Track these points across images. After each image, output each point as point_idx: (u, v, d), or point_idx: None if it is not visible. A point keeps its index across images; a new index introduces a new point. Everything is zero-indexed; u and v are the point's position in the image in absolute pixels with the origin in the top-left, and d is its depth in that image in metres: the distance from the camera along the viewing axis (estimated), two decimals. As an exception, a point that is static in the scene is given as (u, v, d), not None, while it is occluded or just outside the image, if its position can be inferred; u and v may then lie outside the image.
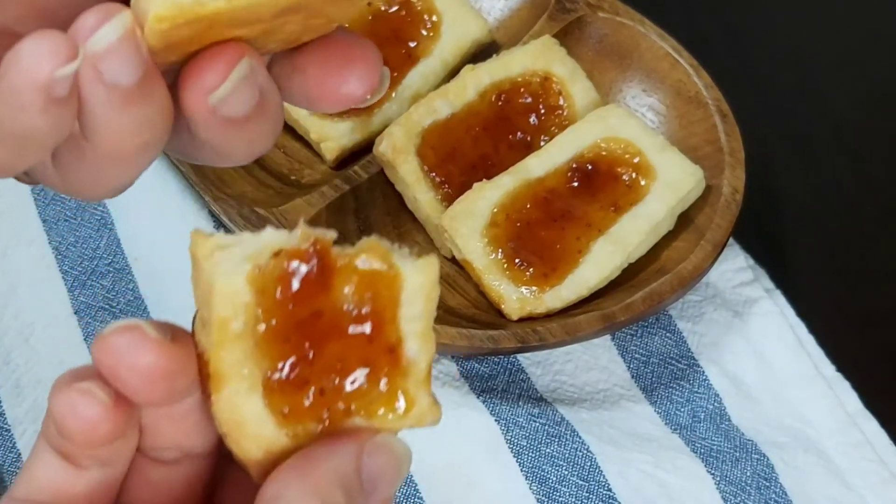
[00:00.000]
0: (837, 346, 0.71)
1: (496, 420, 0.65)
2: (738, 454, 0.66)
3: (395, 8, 0.71)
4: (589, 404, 0.67)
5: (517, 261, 0.66)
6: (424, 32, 0.71)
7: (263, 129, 0.39)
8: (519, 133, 0.69)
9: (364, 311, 0.39)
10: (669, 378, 0.69)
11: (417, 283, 0.39)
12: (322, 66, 0.39)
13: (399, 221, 0.70)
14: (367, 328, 0.39)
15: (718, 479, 0.65)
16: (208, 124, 0.37)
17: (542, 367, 0.68)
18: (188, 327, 0.39)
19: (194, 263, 0.39)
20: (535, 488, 0.64)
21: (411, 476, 0.64)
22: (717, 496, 0.65)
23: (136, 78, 0.36)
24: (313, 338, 0.39)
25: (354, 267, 0.39)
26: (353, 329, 0.39)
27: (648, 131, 0.69)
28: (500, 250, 0.66)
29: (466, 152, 0.68)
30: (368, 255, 0.39)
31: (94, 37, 0.35)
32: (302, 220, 0.39)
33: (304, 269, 0.39)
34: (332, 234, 0.39)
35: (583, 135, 0.68)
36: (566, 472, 0.64)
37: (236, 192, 0.68)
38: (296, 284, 0.39)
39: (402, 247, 0.40)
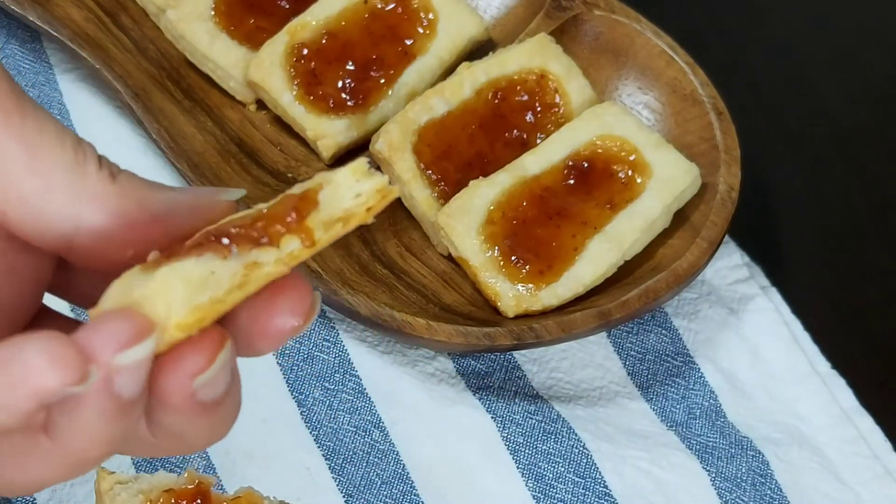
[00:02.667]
0: (832, 342, 0.71)
1: (492, 417, 0.66)
2: (733, 451, 0.66)
3: (391, 5, 0.71)
4: (585, 401, 0.68)
5: (513, 258, 0.66)
6: (421, 30, 0.71)
7: (228, 414, 0.39)
8: (515, 131, 0.69)
9: None
10: (665, 375, 0.69)
11: None
12: (251, 306, 0.38)
13: (395, 219, 0.70)
14: None
15: (714, 475, 0.65)
16: (181, 409, 0.37)
17: (538, 364, 0.68)
18: None
19: (97, 497, 0.46)
20: (531, 485, 0.64)
21: (407, 473, 0.64)
22: (712, 492, 0.65)
23: (139, 393, 0.36)
24: None
25: None
26: None
27: (644, 129, 0.69)
28: (496, 248, 0.66)
29: (462, 150, 0.69)
30: (245, 502, 0.46)
31: (123, 354, 0.35)
32: (189, 468, 0.47)
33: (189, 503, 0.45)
34: (211, 479, 0.46)
35: (579, 132, 0.68)
36: (562, 469, 0.65)
37: (233, 190, 0.68)
38: None
39: (275, 498, 0.47)
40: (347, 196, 0.37)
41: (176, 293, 0.35)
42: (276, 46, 0.69)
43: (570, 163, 0.68)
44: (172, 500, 0.46)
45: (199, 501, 0.46)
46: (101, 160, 0.38)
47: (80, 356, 0.34)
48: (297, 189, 0.38)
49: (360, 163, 0.37)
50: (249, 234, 0.36)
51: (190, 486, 0.46)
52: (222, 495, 0.47)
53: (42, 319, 0.41)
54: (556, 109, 0.70)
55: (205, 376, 0.37)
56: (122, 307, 0.36)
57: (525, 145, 0.69)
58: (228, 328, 0.38)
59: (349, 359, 0.67)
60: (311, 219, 0.37)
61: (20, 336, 0.35)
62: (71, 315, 0.45)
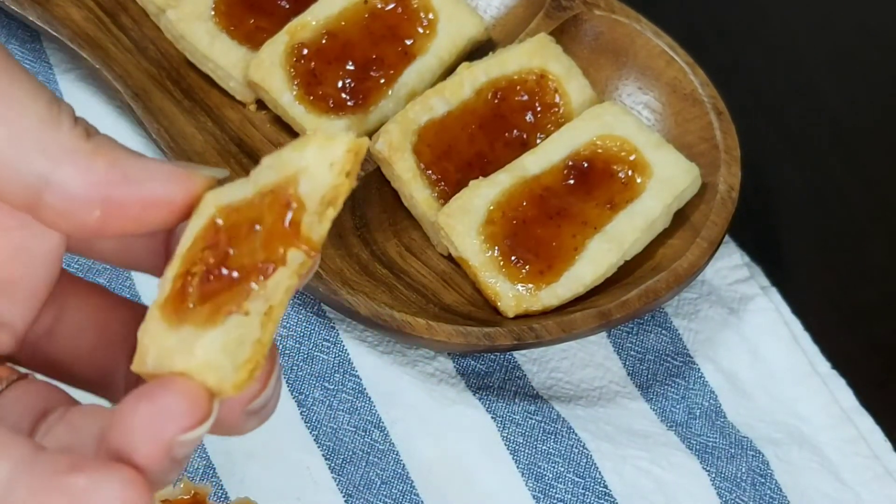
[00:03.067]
0: (832, 342, 0.71)
1: (492, 417, 0.66)
2: (733, 451, 0.66)
3: (391, 5, 0.71)
4: (585, 401, 0.68)
5: (513, 258, 0.66)
6: (421, 30, 0.71)
7: (274, 406, 0.39)
8: (515, 131, 0.69)
9: None
10: (665, 375, 0.69)
11: None
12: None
13: (395, 219, 0.70)
14: None
15: (714, 475, 0.65)
16: (233, 423, 0.37)
17: (538, 364, 0.68)
18: None
19: None
20: (531, 485, 0.64)
21: (407, 473, 0.64)
22: (712, 492, 0.65)
23: (191, 453, 0.36)
24: None
25: None
26: None
27: (644, 129, 0.69)
28: (496, 248, 0.66)
29: (462, 150, 0.69)
30: None
31: (189, 434, 0.35)
32: (185, 478, 0.46)
33: None
34: (208, 488, 0.46)
35: (579, 132, 0.68)
36: (562, 469, 0.65)
37: (233, 190, 0.68)
38: None
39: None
40: (322, 174, 0.36)
41: (223, 367, 0.35)
42: (276, 46, 0.69)
43: (570, 163, 0.68)
44: None
45: None
46: (78, 119, 0.37)
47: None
48: (268, 177, 0.36)
49: (319, 136, 0.36)
50: (254, 266, 0.36)
51: (186, 497, 0.46)
52: None
53: (68, 289, 0.41)
54: (556, 109, 0.70)
55: (260, 400, 0.37)
56: (180, 381, 0.35)
57: (525, 145, 0.69)
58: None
59: (349, 359, 0.67)
60: (305, 224, 0.36)
61: (94, 464, 0.34)
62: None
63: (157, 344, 0.36)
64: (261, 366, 0.36)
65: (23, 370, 0.40)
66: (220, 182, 0.38)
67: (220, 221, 0.36)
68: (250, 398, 0.37)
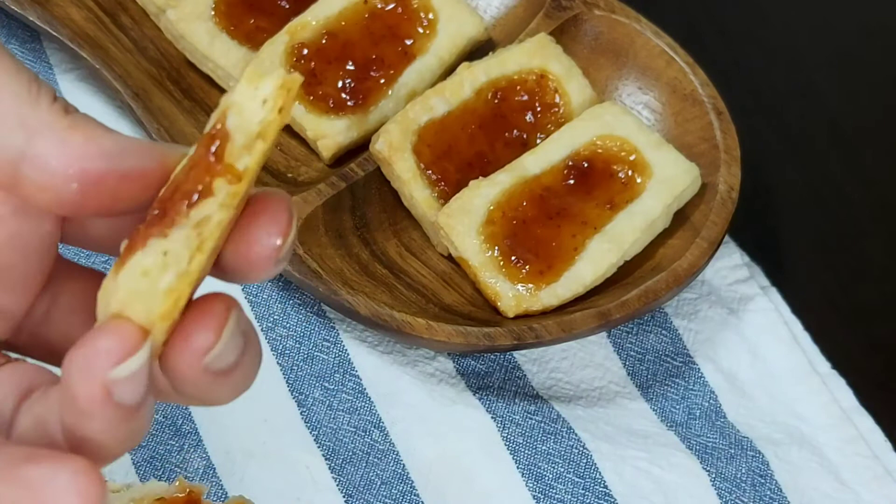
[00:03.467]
0: (832, 342, 0.71)
1: (492, 417, 0.66)
2: (733, 451, 0.66)
3: (391, 5, 0.71)
4: (585, 401, 0.68)
5: (513, 258, 0.66)
6: (421, 30, 0.71)
7: (248, 371, 0.39)
8: (515, 131, 0.69)
9: None
10: (665, 375, 0.69)
11: None
12: (232, 240, 0.38)
13: (395, 219, 0.70)
14: None
15: (714, 475, 0.65)
16: (197, 381, 0.37)
17: (538, 364, 0.68)
18: None
19: None
20: (531, 485, 0.64)
21: (407, 473, 0.64)
22: (712, 492, 0.65)
23: (141, 396, 0.36)
24: None
25: None
26: None
27: (644, 129, 0.69)
28: (496, 248, 0.66)
29: (462, 150, 0.69)
30: None
31: (118, 369, 0.35)
32: (180, 477, 0.46)
33: None
34: (203, 487, 0.45)
35: (579, 132, 0.68)
36: (562, 469, 0.65)
37: (233, 190, 0.68)
38: None
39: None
40: (254, 109, 0.36)
41: (142, 290, 0.35)
42: (276, 46, 0.69)
43: (570, 163, 0.68)
44: None
45: None
46: (57, 98, 0.38)
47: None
48: (207, 126, 0.37)
49: (250, 71, 0.37)
50: (180, 196, 0.36)
51: (181, 495, 0.46)
52: (211, 503, 0.47)
53: (63, 274, 0.41)
54: (556, 109, 0.70)
55: (215, 351, 0.37)
56: (110, 321, 0.35)
57: (525, 145, 0.69)
58: (218, 266, 0.38)
59: (349, 359, 0.67)
60: (229, 153, 0.36)
61: (48, 455, 0.35)
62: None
63: (103, 294, 0.36)
64: (185, 296, 0.36)
65: (14, 355, 0.41)
66: None
67: (173, 176, 0.37)
68: (204, 348, 0.36)
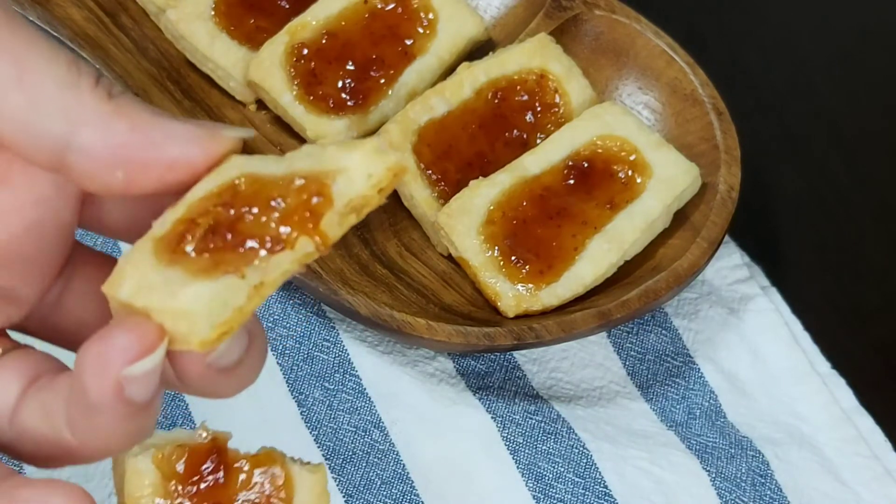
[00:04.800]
0: (832, 342, 0.71)
1: (492, 417, 0.66)
2: (733, 451, 0.66)
3: (391, 6, 0.71)
4: (585, 401, 0.68)
5: (513, 258, 0.66)
6: (421, 30, 0.71)
7: (252, 368, 0.39)
8: (515, 131, 0.69)
9: None
10: (665, 375, 0.69)
11: (307, 490, 0.45)
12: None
13: (395, 219, 0.70)
14: None
15: (714, 475, 0.65)
16: (201, 377, 0.38)
17: (538, 364, 0.68)
18: None
19: (113, 458, 0.44)
20: (531, 485, 0.64)
21: (407, 473, 0.64)
22: (712, 492, 0.65)
23: (151, 396, 0.36)
24: None
25: (252, 467, 0.45)
26: None
27: (644, 129, 0.69)
28: (496, 248, 0.66)
29: (463, 150, 0.69)
30: (265, 460, 0.45)
31: (133, 367, 0.35)
32: (203, 423, 0.45)
33: (203, 458, 0.44)
34: (228, 434, 0.45)
35: (579, 132, 0.68)
36: (562, 469, 0.65)
37: (233, 190, 0.68)
38: (196, 472, 0.44)
39: (295, 459, 0.45)
40: (360, 181, 0.36)
41: (199, 320, 0.35)
42: (276, 46, 0.69)
43: (571, 163, 0.68)
44: (186, 452, 0.45)
45: (214, 456, 0.45)
46: (100, 79, 0.37)
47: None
48: (304, 164, 0.37)
49: (373, 145, 0.37)
50: (262, 238, 0.36)
51: (204, 441, 0.45)
52: (239, 452, 0.46)
53: (77, 258, 0.41)
54: (556, 109, 0.70)
55: (219, 350, 0.37)
56: (135, 317, 0.36)
57: (525, 145, 0.69)
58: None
59: (349, 359, 0.67)
60: (327, 220, 0.36)
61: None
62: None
63: (140, 275, 0.36)
64: (233, 333, 0.36)
65: (22, 341, 0.41)
66: (245, 144, 0.38)
67: (241, 185, 0.37)
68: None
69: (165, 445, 0.44)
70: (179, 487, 0.44)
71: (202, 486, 0.44)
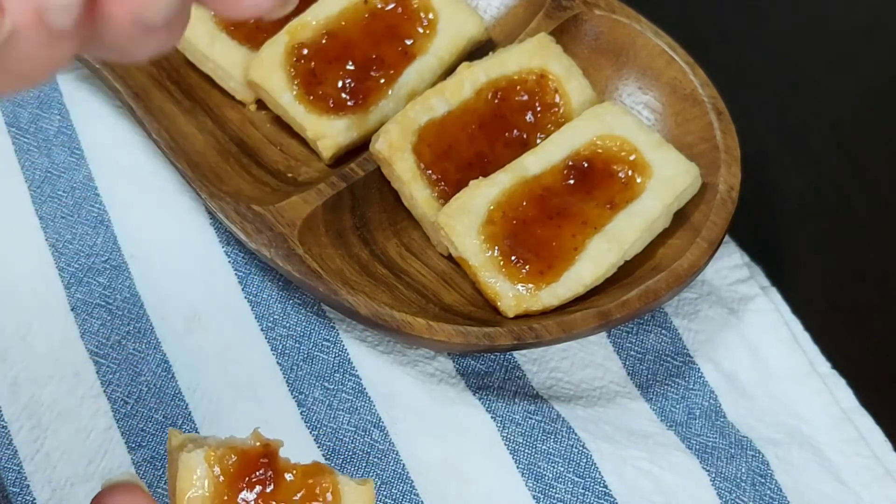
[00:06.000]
0: (832, 342, 0.71)
1: (492, 417, 0.66)
2: (733, 451, 0.66)
3: (391, 5, 0.71)
4: (585, 401, 0.68)
5: (513, 258, 0.66)
6: (421, 30, 0.71)
7: (173, 34, 0.39)
8: (515, 131, 0.69)
9: None
10: (665, 375, 0.69)
11: (355, 499, 0.46)
12: None
13: (395, 219, 0.70)
14: None
15: (714, 475, 0.65)
16: (125, 32, 0.38)
17: (537, 364, 0.68)
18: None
19: (169, 455, 0.46)
20: (530, 485, 0.64)
21: (407, 472, 0.64)
22: (712, 492, 0.65)
23: (72, 24, 0.36)
24: None
25: (301, 477, 0.46)
26: None
27: (644, 129, 0.69)
28: (496, 248, 0.66)
29: (462, 150, 0.69)
30: (314, 472, 0.47)
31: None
32: (256, 429, 0.46)
33: (255, 463, 0.46)
34: (280, 442, 0.46)
35: (579, 132, 0.68)
36: (562, 469, 0.65)
37: (232, 190, 0.68)
38: (247, 475, 0.46)
39: (343, 474, 0.47)
40: None
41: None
42: (276, 46, 0.69)
43: (570, 163, 0.68)
44: (238, 455, 0.46)
45: (265, 461, 0.46)
46: None
47: None
48: None
49: None
50: None
51: (256, 445, 0.46)
52: (290, 462, 0.47)
53: None
54: (556, 109, 0.70)
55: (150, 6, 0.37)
56: None
57: (525, 145, 0.69)
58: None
59: (349, 359, 0.67)
60: None
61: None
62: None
63: None
64: None
65: None
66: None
67: None
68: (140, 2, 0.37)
69: (219, 448, 0.45)
70: (230, 487, 0.45)
71: (252, 489, 0.46)
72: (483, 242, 0.66)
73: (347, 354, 0.67)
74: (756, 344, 0.70)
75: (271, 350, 0.67)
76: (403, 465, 0.64)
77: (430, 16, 0.71)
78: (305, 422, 0.65)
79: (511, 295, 0.65)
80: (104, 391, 0.64)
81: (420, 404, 0.66)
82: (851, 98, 0.80)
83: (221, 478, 0.45)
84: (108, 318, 0.66)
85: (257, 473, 0.46)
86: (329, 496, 0.46)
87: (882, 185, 0.77)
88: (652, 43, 0.71)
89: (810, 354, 0.70)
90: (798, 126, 0.78)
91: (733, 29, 0.81)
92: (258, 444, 0.46)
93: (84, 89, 0.73)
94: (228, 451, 0.46)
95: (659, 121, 0.71)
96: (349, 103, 0.69)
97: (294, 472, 0.47)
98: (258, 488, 0.46)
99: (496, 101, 0.69)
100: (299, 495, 0.46)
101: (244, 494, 0.45)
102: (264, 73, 0.69)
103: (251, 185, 0.69)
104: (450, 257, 0.68)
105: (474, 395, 0.66)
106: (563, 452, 0.65)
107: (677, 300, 0.70)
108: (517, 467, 0.65)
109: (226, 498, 0.45)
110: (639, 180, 0.68)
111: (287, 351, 0.67)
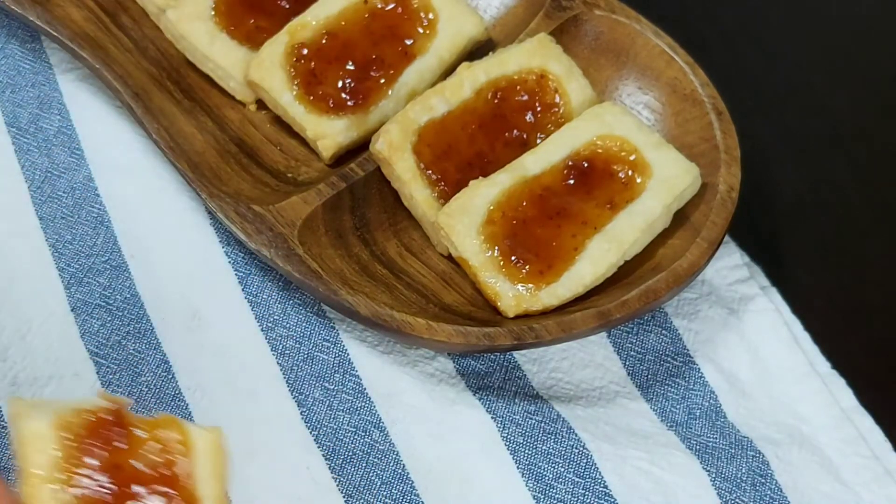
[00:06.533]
0: (832, 342, 0.71)
1: (492, 417, 0.66)
2: (733, 451, 0.66)
3: (391, 5, 0.71)
4: (585, 401, 0.68)
5: (513, 258, 0.66)
6: (421, 30, 0.71)
7: None
8: (515, 131, 0.69)
9: (161, 470, 0.47)
10: (665, 375, 0.69)
11: (204, 446, 0.48)
12: None
13: (395, 219, 0.70)
14: (165, 486, 0.47)
15: (714, 475, 0.65)
16: None
17: (538, 364, 0.68)
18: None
19: (11, 424, 0.46)
20: (531, 485, 0.64)
21: (407, 473, 0.64)
22: (712, 492, 0.65)
23: None
24: (117, 487, 0.46)
25: (151, 431, 0.47)
26: (152, 486, 0.47)
27: (644, 129, 0.69)
28: (496, 248, 0.66)
29: (462, 150, 0.69)
30: (163, 424, 0.47)
31: None
32: (101, 389, 0.47)
33: (103, 423, 0.46)
34: (129, 400, 0.47)
35: (579, 132, 0.68)
36: (562, 469, 0.65)
37: (232, 190, 0.68)
38: (96, 435, 0.46)
39: (191, 422, 0.48)
40: None
41: None
42: (276, 46, 0.69)
43: (570, 163, 0.68)
44: (85, 417, 0.46)
45: (114, 420, 0.47)
46: None
47: None
48: None
49: None
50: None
51: (103, 407, 0.47)
52: (137, 417, 0.47)
53: None
54: (556, 109, 0.70)
55: None
56: None
57: (525, 145, 0.69)
58: None
59: (349, 359, 0.67)
60: None
61: None
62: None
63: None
64: None
65: None
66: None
67: None
68: None
69: (64, 410, 0.45)
70: (80, 450, 0.45)
71: (104, 449, 0.46)
72: (483, 242, 0.66)
73: (347, 355, 0.67)
74: (756, 344, 0.70)
75: (271, 350, 0.67)
76: (403, 465, 0.64)
77: (430, 16, 0.71)
78: (305, 422, 0.65)
79: (511, 295, 0.65)
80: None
81: (420, 404, 0.66)
82: (851, 98, 0.80)
83: (71, 441, 0.45)
84: (108, 318, 0.66)
85: (106, 432, 0.46)
86: (179, 446, 0.47)
87: (881, 184, 0.77)
88: (652, 43, 0.71)
89: (810, 354, 0.70)
90: (797, 126, 0.78)
91: (733, 29, 0.81)
92: (105, 404, 0.47)
93: (84, 89, 0.73)
94: (75, 413, 0.46)
95: (659, 121, 0.71)
96: (349, 103, 0.69)
97: (144, 427, 0.47)
98: (109, 446, 0.46)
99: (496, 101, 0.69)
100: (151, 448, 0.47)
101: (97, 453, 0.46)
102: (264, 73, 0.69)
103: (251, 185, 0.69)
104: (450, 257, 0.68)
105: (474, 395, 0.66)
106: (563, 452, 0.65)
107: (677, 300, 0.70)
108: (517, 467, 0.65)
109: (77, 460, 0.45)
110: (639, 180, 0.68)
111: (287, 351, 0.67)
